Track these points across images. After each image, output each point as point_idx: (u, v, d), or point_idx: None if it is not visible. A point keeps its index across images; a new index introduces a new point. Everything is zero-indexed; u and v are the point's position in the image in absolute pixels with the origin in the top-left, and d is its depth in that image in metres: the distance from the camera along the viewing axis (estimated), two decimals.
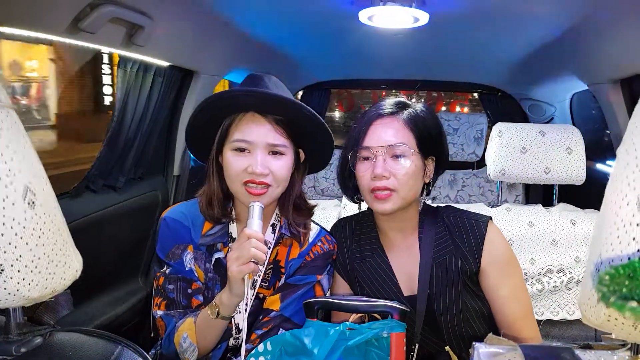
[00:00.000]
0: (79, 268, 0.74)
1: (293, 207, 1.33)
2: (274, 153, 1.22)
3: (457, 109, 9.82)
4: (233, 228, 1.34)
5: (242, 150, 1.21)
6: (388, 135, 1.27)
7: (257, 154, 1.20)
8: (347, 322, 1.14)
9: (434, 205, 1.45)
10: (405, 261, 1.36)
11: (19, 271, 0.62)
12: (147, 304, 1.34)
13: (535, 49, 2.23)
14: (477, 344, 0.75)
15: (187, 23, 1.76)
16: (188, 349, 1.24)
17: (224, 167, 1.25)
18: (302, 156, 1.34)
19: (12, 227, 0.62)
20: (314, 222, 1.43)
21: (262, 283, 1.33)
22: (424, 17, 1.69)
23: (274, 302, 1.30)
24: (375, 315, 1.21)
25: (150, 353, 1.34)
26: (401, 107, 1.32)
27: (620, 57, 1.83)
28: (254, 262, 1.12)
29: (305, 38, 2.31)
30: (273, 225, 1.35)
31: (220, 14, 1.81)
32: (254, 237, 1.13)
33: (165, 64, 1.90)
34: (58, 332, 0.77)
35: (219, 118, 1.25)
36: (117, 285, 1.94)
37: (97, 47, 1.50)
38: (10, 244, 0.61)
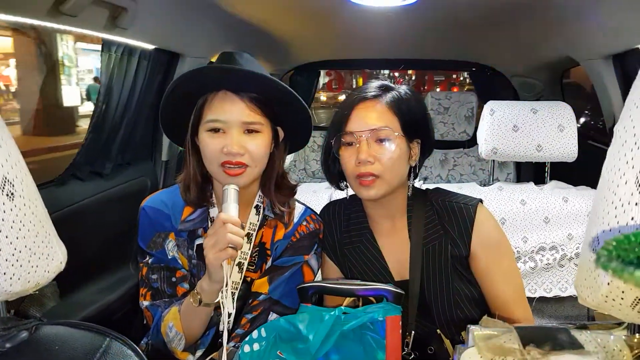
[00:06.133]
0: (63, 260, 0.72)
1: (275, 186, 1.30)
2: (250, 131, 1.19)
3: None
4: (214, 212, 1.31)
5: (216, 130, 1.18)
6: (371, 119, 1.24)
7: (232, 133, 1.17)
8: (342, 307, 1.12)
9: (424, 187, 1.43)
10: (395, 246, 1.35)
11: None
12: (139, 291, 1.34)
13: (526, 26, 2.20)
14: (471, 327, 0.74)
15: (172, 4, 1.71)
16: (175, 338, 1.23)
17: (201, 149, 1.21)
18: (282, 134, 1.31)
19: None
20: (299, 201, 1.40)
21: (249, 266, 1.31)
22: None
23: (262, 285, 1.29)
24: (369, 298, 1.20)
25: (142, 342, 1.32)
26: (384, 89, 1.29)
27: (612, 32, 1.81)
28: (231, 247, 1.09)
29: (294, 18, 2.26)
30: (257, 207, 1.32)
31: None
32: (229, 221, 1.09)
33: (150, 46, 1.86)
34: (44, 325, 0.74)
35: (193, 99, 1.21)
36: (107, 274, 1.92)
37: (80, 30, 1.45)
38: None
